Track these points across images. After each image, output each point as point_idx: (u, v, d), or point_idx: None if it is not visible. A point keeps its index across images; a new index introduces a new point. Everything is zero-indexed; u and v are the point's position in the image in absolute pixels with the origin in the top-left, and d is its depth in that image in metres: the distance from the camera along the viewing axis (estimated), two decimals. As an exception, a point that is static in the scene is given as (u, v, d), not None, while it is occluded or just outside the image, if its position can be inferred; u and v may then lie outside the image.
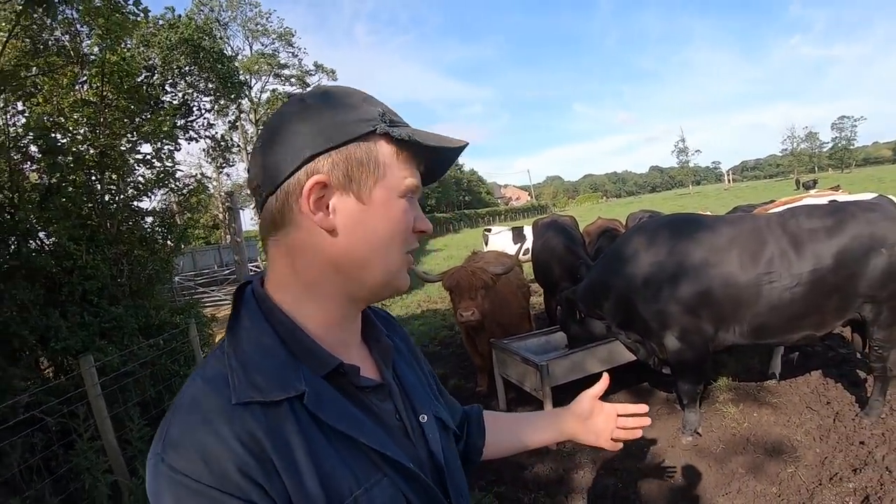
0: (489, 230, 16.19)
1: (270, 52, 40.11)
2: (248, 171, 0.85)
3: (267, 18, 40.30)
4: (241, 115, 30.42)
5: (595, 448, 4.14)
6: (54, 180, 5.40)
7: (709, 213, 5.29)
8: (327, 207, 0.79)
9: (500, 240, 14.48)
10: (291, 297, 0.83)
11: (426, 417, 0.91)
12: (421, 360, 1.09)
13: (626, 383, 5.15)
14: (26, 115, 5.76)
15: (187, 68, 11.61)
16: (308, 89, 0.90)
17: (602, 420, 1.22)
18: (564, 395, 4.72)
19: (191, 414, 0.71)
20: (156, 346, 5.55)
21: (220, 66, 12.69)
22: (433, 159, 0.89)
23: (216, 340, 8.67)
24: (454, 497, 0.90)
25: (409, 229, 0.84)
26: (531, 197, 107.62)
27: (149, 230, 6.88)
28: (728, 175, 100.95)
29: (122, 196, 6.43)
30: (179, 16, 12.09)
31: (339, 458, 0.75)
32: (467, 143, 0.86)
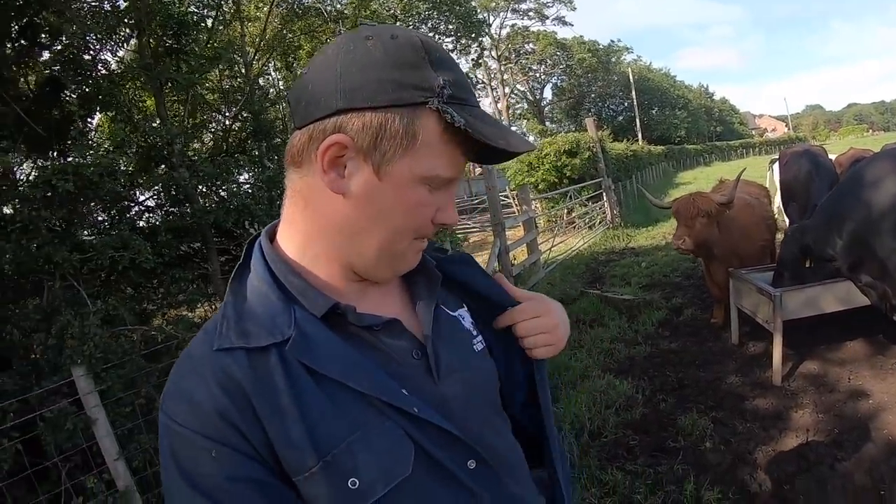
0: (775, 161, 14.77)
1: (505, -13, 39.97)
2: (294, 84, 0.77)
3: (499, -46, 39.98)
4: (483, 53, 31.13)
5: (819, 389, 3.99)
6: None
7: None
8: (344, 168, 0.72)
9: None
10: (296, 241, 0.79)
11: (481, 345, 0.88)
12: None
13: (863, 330, 4.60)
14: (292, 70, 6.72)
15: (427, 13, 12.31)
16: (382, 26, 0.75)
17: None
18: (797, 332, 4.45)
19: (183, 363, 0.73)
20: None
21: (457, 7, 13.22)
22: (486, 150, 0.75)
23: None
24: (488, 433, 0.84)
25: (425, 219, 0.75)
26: (788, 128, 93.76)
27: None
28: None
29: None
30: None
31: (331, 403, 0.71)
32: (532, 148, 0.76)
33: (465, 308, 0.92)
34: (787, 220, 5.67)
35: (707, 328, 5.52)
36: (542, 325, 0.91)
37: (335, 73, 0.69)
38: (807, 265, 4.18)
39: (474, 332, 0.90)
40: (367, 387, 0.72)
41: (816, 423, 3.55)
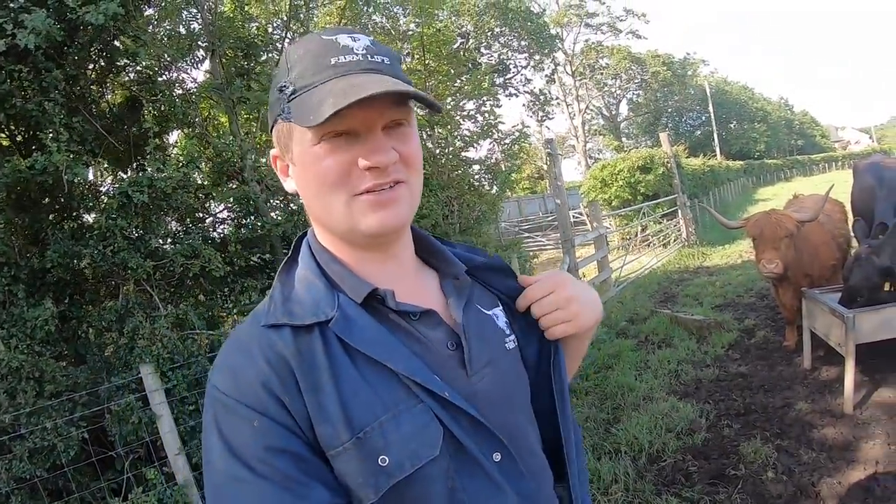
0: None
1: (577, 2, 39.31)
2: None
3: (569, -30, 39.49)
4: (557, 68, 30.80)
5: (893, 419, 3.74)
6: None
7: None
8: (288, 169, 0.85)
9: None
10: (322, 237, 0.87)
11: (513, 344, 0.91)
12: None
13: None
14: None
15: (498, 30, 12.40)
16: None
17: None
18: (872, 357, 4.24)
19: (232, 340, 0.80)
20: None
21: (529, 23, 13.25)
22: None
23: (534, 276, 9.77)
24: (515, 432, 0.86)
25: (343, 171, 0.77)
26: (872, 140, 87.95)
27: (476, 177, 7.76)
28: None
29: (450, 148, 7.37)
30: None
31: (365, 382, 0.75)
32: (380, 92, 0.71)
33: (501, 307, 0.95)
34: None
35: (779, 351, 5.30)
36: (555, 300, 0.91)
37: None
38: (886, 289, 3.91)
39: (507, 332, 0.92)
40: (403, 368, 0.76)
41: (887, 456, 3.32)
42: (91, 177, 4.13)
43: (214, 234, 4.83)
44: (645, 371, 5.20)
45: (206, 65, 4.69)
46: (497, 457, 0.80)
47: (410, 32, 7.29)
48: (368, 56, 0.77)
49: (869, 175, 5.44)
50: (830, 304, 4.05)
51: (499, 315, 0.93)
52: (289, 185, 0.85)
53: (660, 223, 14.21)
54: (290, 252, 0.89)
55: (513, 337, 0.92)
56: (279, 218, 4.84)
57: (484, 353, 0.85)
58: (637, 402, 4.52)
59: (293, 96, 0.76)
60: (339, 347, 0.75)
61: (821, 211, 4.75)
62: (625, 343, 6.10)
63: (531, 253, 11.00)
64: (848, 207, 5.88)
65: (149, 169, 3.62)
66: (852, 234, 5.53)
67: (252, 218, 4.69)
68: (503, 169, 8.17)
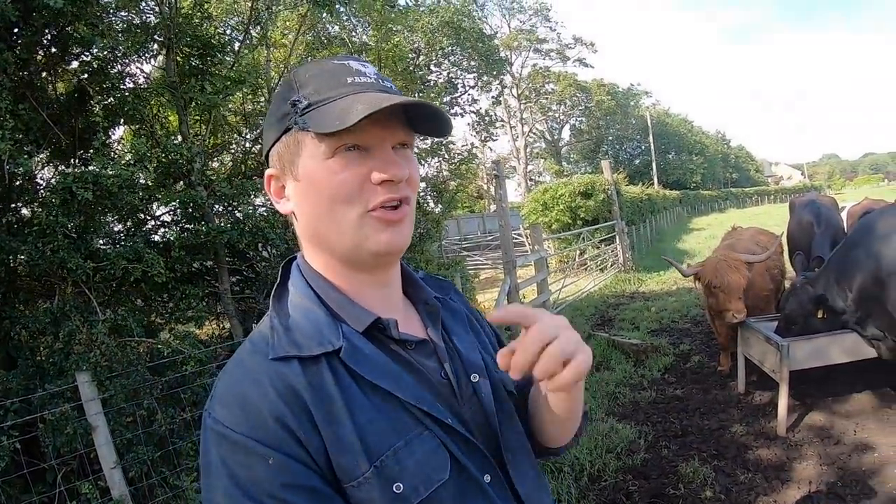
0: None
1: (528, 27, 40.39)
2: None
3: (522, -5, 40.53)
4: (504, 91, 31.41)
5: (824, 441, 3.93)
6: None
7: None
8: (283, 190, 0.85)
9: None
10: (315, 263, 0.86)
11: (477, 377, 0.88)
12: (483, 324, 1.06)
13: (871, 383, 4.55)
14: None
15: (450, 48, 12.54)
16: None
17: None
18: (804, 383, 4.45)
19: (235, 370, 0.76)
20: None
21: (480, 44, 13.48)
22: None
23: (475, 296, 9.74)
24: (508, 458, 0.87)
25: (357, 185, 0.78)
26: (804, 176, 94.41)
27: (421, 194, 7.75)
28: None
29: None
30: (439, 0, 12.98)
31: (377, 411, 0.75)
32: (393, 104, 0.73)
33: (472, 334, 0.98)
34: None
35: (713, 376, 5.50)
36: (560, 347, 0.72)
37: (264, 127, 0.88)
38: (819, 316, 4.15)
39: (483, 360, 0.93)
40: (410, 396, 0.77)
41: (819, 476, 3.51)
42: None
43: (156, 237, 4.66)
44: (583, 392, 5.32)
45: (160, 60, 4.53)
46: (487, 478, 0.82)
47: (368, 45, 7.28)
48: (380, 80, 0.82)
49: (807, 212, 5.81)
50: (766, 332, 4.26)
51: (474, 341, 0.96)
52: (283, 207, 0.85)
53: (598, 248, 14.49)
54: (279, 278, 0.88)
55: (483, 365, 0.94)
56: (225, 225, 4.69)
57: (467, 382, 0.88)
58: (577, 423, 4.61)
59: (308, 109, 0.78)
60: (349, 378, 0.75)
61: (772, 254, 5.01)
62: (563, 365, 6.19)
63: (471, 272, 11.10)
64: (784, 240, 6.24)
65: (92, 165, 3.45)
66: (789, 266, 5.87)
67: (197, 223, 4.53)
68: (450, 188, 8.21)
